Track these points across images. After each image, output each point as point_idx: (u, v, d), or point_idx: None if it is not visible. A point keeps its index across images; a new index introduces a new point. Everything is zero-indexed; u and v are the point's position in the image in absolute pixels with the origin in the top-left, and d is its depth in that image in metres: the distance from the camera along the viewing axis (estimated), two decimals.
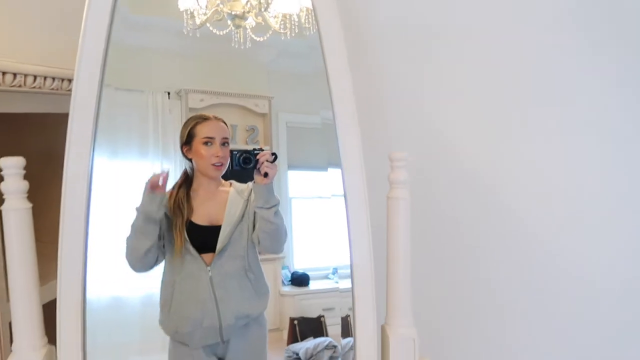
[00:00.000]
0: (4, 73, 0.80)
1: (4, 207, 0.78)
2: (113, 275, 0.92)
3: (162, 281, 0.89)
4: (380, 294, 0.95)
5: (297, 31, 1.04)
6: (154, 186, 0.85)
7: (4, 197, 0.78)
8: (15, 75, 0.82)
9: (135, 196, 0.99)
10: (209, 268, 0.88)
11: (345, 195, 0.92)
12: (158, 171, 0.86)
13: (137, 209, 0.86)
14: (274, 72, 1.12)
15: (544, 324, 1.40)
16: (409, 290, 0.92)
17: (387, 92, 1.31)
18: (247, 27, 1.04)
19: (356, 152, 0.91)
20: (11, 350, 0.79)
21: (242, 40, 1.03)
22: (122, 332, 1.00)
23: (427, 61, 1.31)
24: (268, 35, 1.03)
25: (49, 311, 0.83)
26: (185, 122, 0.92)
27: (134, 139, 1.02)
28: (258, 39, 1.04)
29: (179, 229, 0.86)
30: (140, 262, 0.85)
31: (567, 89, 1.34)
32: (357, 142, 0.90)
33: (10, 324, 0.84)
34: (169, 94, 1.03)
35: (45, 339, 0.82)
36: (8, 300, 0.82)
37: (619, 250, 1.41)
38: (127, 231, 0.86)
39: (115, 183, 0.92)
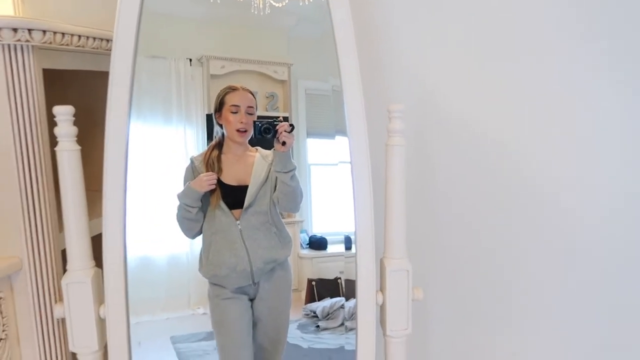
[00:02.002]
0: (54, 33, 0.94)
1: (58, 148, 0.93)
2: (141, 236, 1.05)
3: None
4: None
5: None
6: (201, 185, 1.02)
7: (57, 140, 0.94)
8: (63, 34, 0.96)
9: (159, 161, 1.13)
10: (238, 222, 1.05)
11: (351, 161, 1.04)
12: (210, 175, 1.03)
13: (178, 197, 1.03)
14: (294, 39, 1.20)
15: (537, 270, 1.48)
16: (404, 228, 1.08)
17: (389, 51, 1.38)
18: None
19: (361, 120, 1.02)
20: (65, 270, 0.98)
21: (261, 6, 1.11)
22: (149, 289, 1.14)
23: (430, 18, 1.37)
24: (286, 2, 1.11)
25: (95, 243, 1.00)
26: (218, 93, 1.07)
27: (158, 105, 1.13)
28: (277, 5, 1.11)
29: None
30: (194, 236, 1.06)
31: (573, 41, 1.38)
32: (362, 111, 1.02)
33: (62, 251, 1.01)
34: (190, 60, 1.14)
35: (94, 262, 0.99)
36: (60, 231, 1.00)
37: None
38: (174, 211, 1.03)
39: (141, 146, 1.03)
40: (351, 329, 1.14)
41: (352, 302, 1.14)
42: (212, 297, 1.09)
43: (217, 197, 1.05)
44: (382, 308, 1.11)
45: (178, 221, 1.06)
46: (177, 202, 1.05)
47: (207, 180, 1.03)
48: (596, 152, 1.44)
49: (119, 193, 0.96)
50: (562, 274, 1.50)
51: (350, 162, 1.05)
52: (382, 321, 1.13)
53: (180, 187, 1.06)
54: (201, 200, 1.05)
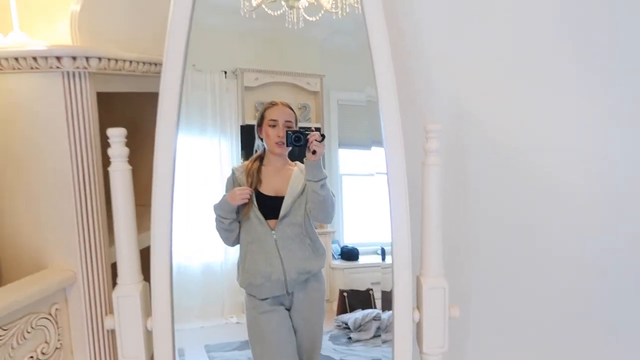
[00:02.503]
0: (109, 59, 1.02)
1: (111, 168, 0.99)
2: (176, 245, 1.06)
3: (241, 246, 1.11)
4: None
5: (347, 10, 1.13)
6: (234, 198, 1.08)
7: (110, 160, 1.00)
8: (117, 60, 1.04)
9: (196, 173, 1.15)
10: (273, 232, 1.09)
11: (387, 174, 1.05)
12: (244, 190, 1.08)
13: (214, 209, 1.08)
14: (326, 51, 1.22)
15: (579, 287, 1.47)
16: (440, 246, 1.09)
17: (426, 69, 1.40)
18: (300, 7, 1.14)
19: (397, 129, 1.04)
20: (115, 284, 1.03)
21: (295, 20, 1.14)
22: (185, 298, 1.13)
23: (463, 38, 1.39)
24: (320, 15, 1.14)
25: (142, 255, 1.05)
26: (260, 109, 1.13)
27: (194, 116, 1.16)
28: (311, 19, 1.14)
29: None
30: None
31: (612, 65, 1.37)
32: (398, 119, 1.04)
33: (112, 264, 1.06)
34: (225, 73, 1.17)
35: (142, 277, 1.04)
36: (110, 245, 1.06)
37: None
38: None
39: (178, 158, 1.04)
40: (385, 341, 1.16)
41: (387, 314, 1.15)
42: (249, 310, 1.13)
43: (249, 207, 1.09)
44: (418, 325, 1.13)
45: (217, 230, 1.11)
46: (211, 215, 1.10)
47: (240, 194, 1.08)
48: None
49: (167, 209, 1.00)
50: (606, 290, 1.47)
51: (387, 173, 1.07)
52: (418, 338, 1.15)
53: (215, 198, 1.10)
54: (237, 212, 1.09)
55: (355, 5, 1.10)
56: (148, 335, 1.04)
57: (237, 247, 1.13)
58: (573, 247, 1.47)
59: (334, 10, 1.16)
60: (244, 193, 1.08)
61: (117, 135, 0.99)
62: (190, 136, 1.16)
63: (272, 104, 1.13)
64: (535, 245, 1.48)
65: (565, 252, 1.48)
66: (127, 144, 1.01)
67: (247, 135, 1.16)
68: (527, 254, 1.49)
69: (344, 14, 1.15)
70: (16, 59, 0.97)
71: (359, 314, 1.23)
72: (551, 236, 1.47)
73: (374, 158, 1.13)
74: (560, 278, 1.49)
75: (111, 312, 1.04)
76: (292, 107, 1.14)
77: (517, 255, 1.48)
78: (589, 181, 1.44)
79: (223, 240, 1.12)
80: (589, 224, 1.45)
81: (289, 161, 1.14)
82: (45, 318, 1.00)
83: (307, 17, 1.16)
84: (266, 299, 1.12)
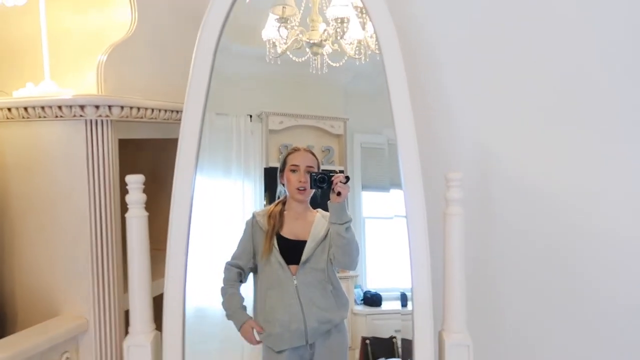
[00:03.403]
0: (131, 108, 1.03)
1: (128, 214, 0.97)
2: (197, 288, 1.05)
3: (255, 291, 1.07)
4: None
5: (370, 55, 1.13)
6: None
7: (127, 206, 0.98)
8: (139, 109, 1.05)
9: (218, 214, 1.15)
10: (294, 277, 1.04)
11: (407, 218, 1.01)
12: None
13: (224, 309, 1.07)
14: (350, 94, 1.21)
15: (611, 346, 1.34)
16: (464, 299, 1.03)
17: (444, 113, 1.36)
18: (324, 53, 1.14)
19: (416, 173, 1.00)
20: (127, 332, 0.99)
21: (319, 66, 1.14)
22: (204, 341, 1.12)
23: (485, 81, 1.34)
24: (344, 61, 1.14)
25: (155, 303, 1.02)
26: (283, 155, 1.11)
27: (219, 158, 1.15)
28: (334, 65, 1.14)
29: (268, 236, 1.06)
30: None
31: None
32: (417, 163, 1.01)
33: (125, 312, 1.04)
34: (251, 117, 1.17)
35: (154, 326, 1.01)
36: (125, 292, 1.04)
37: None
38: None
39: (200, 198, 1.04)
40: None
41: None
42: None
43: (270, 251, 1.06)
44: None
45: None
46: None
47: (250, 337, 1.06)
48: None
49: (181, 258, 0.99)
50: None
51: (406, 217, 1.02)
52: None
53: (236, 238, 1.08)
54: (253, 257, 1.07)
55: (377, 52, 1.09)
56: None
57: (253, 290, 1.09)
58: (609, 299, 1.35)
59: (357, 57, 1.16)
60: (253, 338, 1.07)
61: (135, 181, 0.98)
62: (214, 178, 1.15)
63: (295, 150, 1.11)
64: (569, 296, 1.37)
65: (601, 306, 1.36)
66: (148, 189, 1.00)
67: (271, 178, 1.15)
68: (561, 306, 1.37)
69: (367, 59, 1.15)
70: (42, 107, 0.97)
71: None
72: (587, 286, 1.36)
73: (393, 201, 1.10)
74: (593, 338, 1.36)
75: None
76: (314, 153, 1.12)
77: (550, 308, 1.38)
78: (624, 227, 1.33)
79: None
80: (627, 273, 1.33)
81: (311, 208, 1.11)
82: None
83: (331, 63, 1.16)
84: (284, 350, 1.06)
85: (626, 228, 1.32)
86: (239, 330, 1.07)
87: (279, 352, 1.06)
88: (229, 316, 1.08)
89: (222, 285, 1.08)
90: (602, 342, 1.36)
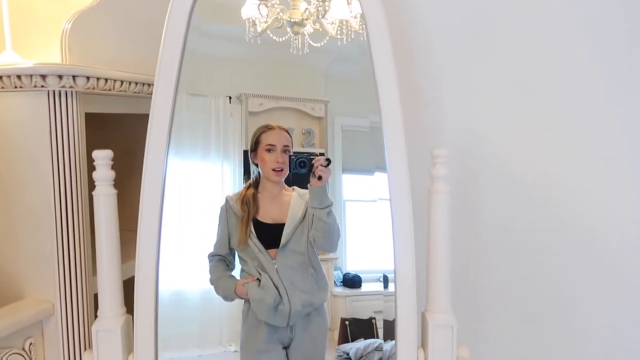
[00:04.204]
0: (98, 79, 0.95)
1: (95, 192, 0.91)
2: (175, 271, 1.00)
3: (240, 271, 1.03)
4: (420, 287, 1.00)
5: (352, 36, 1.07)
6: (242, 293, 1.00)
7: (95, 184, 0.91)
8: (106, 80, 0.97)
9: (197, 197, 1.09)
10: (274, 261, 1.00)
11: (390, 201, 0.97)
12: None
13: (212, 285, 1.01)
14: (331, 77, 1.17)
15: (599, 326, 1.34)
16: (448, 280, 1.00)
17: (431, 92, 1.32)
18: (305, 33, 1.09)
19: (402, 157, 0.96)
20: (96, 317, 0.93)
21: (300, 46, 1.09)
22: (182, 325, 1.08)
23: (473, 62, 1.30)
24: (325, 41, 1.08)
25: (126, 286, 0.96)
26: (254, 132, 1.04)
27: (198, 141, 1.10)
28: (316, 45, 1.09)
29: (244, 223, 1.00)
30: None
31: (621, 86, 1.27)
32: (403, 147, 0.96)
33: (94, 295, 0.98)
34: (230, 98, 1.11)
35: (124, 309, 0.95)
36: (93, 275, 0.97)
37: None
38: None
39: (177, 181, 1.00)
40: None
41: (389, 344, 1.06)
42: (245, 350, 1.03)
43: (245, 231, 1.00)
44: None
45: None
46: (211, 239, 1.03)
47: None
48: None
49: (153, 238, 0.93)
50: (627, 329, 1.33)
51: (390, 200, 0.98)
52: None
53: (214, 223, 1.03)
54: (229, 248, 1.03)
55: (361, 32, 1.05)
56: None
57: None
58: (591, 284, 1.34)
59: (338, 37, 1.10)
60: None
61: (102, 157, 0.91)
62: (193, 160, 1.11)
63: (268, 128, 1.04)
64: (550, 281, 1.35)
65: (583, 289, 1.35)
66: (120, 168, 0.95)
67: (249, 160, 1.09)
68: (542, 290, 1.36)
69: (349, 39, 1.10)
70: (0, 77, 0.85)
71: (360, 344, 1.13)
72: (567, 271, 1.35)
73: (377, 184, 1.06)
74: (581, 314, 1.36)
75: (90, 347, 0.94)
76: (289, 131, 1.05)
77: (530, 291, 1.36)
78: (609, 212, 1.32)
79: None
80: (608, 261, 1.33)
81: (286, 186, 1.06)
82: (17, 353, 0.91)
83: (312, 43, 1.10)
84: (266, 324, 1.01)
85: (610, 214, 1.31)
86: (235, 292, 1.01)
87: (259, 322, 1.00)
88: (222, 291, 1.03)
89: (210, 279, 1.04)
90: (584, 321, 1.36)
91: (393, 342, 1.01)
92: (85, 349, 0.94)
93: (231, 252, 1.03)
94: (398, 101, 0.97)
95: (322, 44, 1.09)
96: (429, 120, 1.33)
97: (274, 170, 1.01)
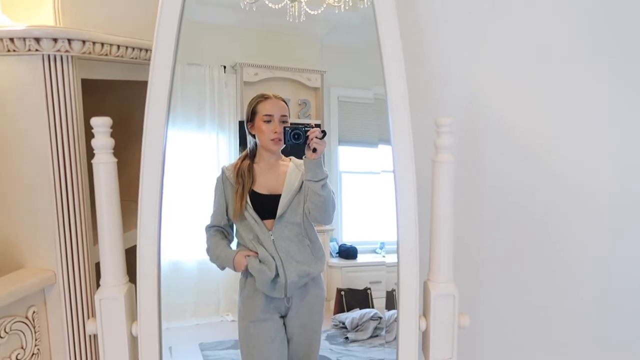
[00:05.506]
0: (94, 43, 0.90)
1: (94, 160, 0.89)
2: (172, 241, 0.98)
3: (237, 245, 1.02)
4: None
5: (350, 4, 1.04)
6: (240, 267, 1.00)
7: (94, 152, 0.89)
8: (103, 44, 0.92)
9: (193, 168, 1.07)
10: (271, 232, 0.99)
11: (394, 172, 0.95)
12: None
13: (209, 255, 1.01)
14: (327, 47, 1.14)
15: (594, 295, 1.35)
16: (451, 249, 0.99)
17: (436, 64, 1.30)
18: (302, 0, 1.04)
19: (406, 130, 0.94)
20: (98, 286, 0.93)
21: (296, 14, 1.05)
22: (179, 295, 1.07)
23: (477, 35, 1.28)
24: (322, 9, 1.04)
25: (128, 255, 0.95)
26: (249, 102, 1.01)
27: (192, 111, 1.08)
28: (312, 13, 1.05)
29: (239, 195, 0.98)
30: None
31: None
32: (407, 120, 0.94)
33: (96, 264, 0.96)
34: (224, 67, 1.09)
35: (127, 278, 0.95)
36: (94, 244, 0.96)
37: None
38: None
39: (173, 151, 0.97)
40: (389, 342, 1.07)
41: (388, 314, 1.08)
42: (243, 319, 1.03)
43: (241, 203, 0.99)
44: (424, 334, 1.02)
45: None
46: (207, 210, 1.02)
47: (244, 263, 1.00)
48: None
49: (155, 206, 0.91)
50: (621, 300, 1.36)
51: (394, 171, 0.97)
52: (424, 348, 1.04)
53: (210, 194, 1.02)
54: (227, 219, 1.01)
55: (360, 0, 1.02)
56: (133, 341, 0.94)
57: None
58: (591, 250, 1.36)
59: (336, 4, 1.07)
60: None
61: (101, 124, 0.88)
62: (187, 131, 1.09)
63: (265, 97, 1.01)
64: (552, 248, 1.36)
65: (583, 255, 1.36)
66: (118, 137, 0.91)
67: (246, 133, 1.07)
68: (543, 257, 1.37)
69: (347, 7, 1.07)
70: None
71: (356, 314, 1.14)
72: (568, 239, 1.36)
73: (381, 156, 1.04)
74: (578, 285, 1.38)
75: (93, 315, 0.94)
76: (286, 101, 1.03)
77: (532, 259, 1.37)
78: (607, 182, 1.33)
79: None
80: (608, 226, 1.34)
81: (282, 156, 1.04)
82: (21, 322, 0.90)
83: (309, 11, 1.07)
84: (263, 295, 1.00)
85: (617, 186, 1.32)
86: (232, 263, 1.01)
87: (256, 292, 1.01)
88: (218, 259, 1.02)
89: (207, 247, 1.02)
90: (580, 287, 1.38)
91: (393, 311, 1.02)
92: (88, 318, 0.94)
93: (229, 222, 1.02)
94: (403, 71, 0.94)
95: (319, 12, 1.06)
96: (433, 88, 1.30)
97: (272, 140, 0.99)
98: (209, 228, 1.03)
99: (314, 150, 0.95)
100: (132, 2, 1.13)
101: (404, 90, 0.94)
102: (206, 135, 1.10)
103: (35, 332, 0.91)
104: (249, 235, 1.00)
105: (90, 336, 0.96)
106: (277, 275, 0.99)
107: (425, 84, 1.30)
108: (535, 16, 1.28)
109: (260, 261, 0.99)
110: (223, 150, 1.11)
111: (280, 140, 0.99)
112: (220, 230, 1.03)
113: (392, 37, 0.95)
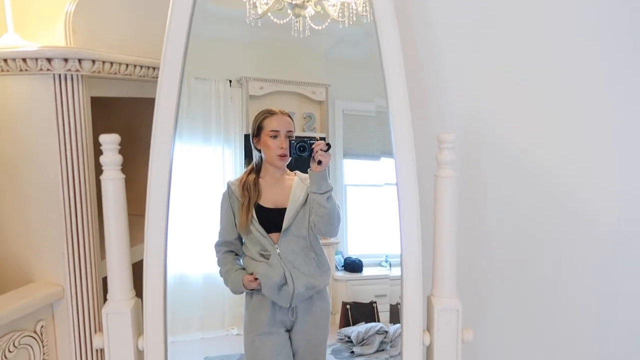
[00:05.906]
0: (103, 62, 0.93)
1: (102, 177, 0.91)
2: (178, 255, 0.99)
3: (244, 257, 1.03)
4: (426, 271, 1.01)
5: (354, 19, 1.06)
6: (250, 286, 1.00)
7: (102, 168, 0.91)
8: (112, 64, 0.95)
9: (199, 181, 1.09)
10: (276, 245, 1.00)
11: (397, 186, 0.97)
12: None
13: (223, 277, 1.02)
14: (332, 60, 1.16)
15: (600, 309, 1.34)
16: (454, 264, 0.99)
17: (438, 79, 1.31)
18: (307, 15, 1.07)
19: (408, 142, 0.96)
20: (105, 300, 0.94)
21: (301, 28, 1.07)
22: (185, 309, 1.08)
23: (476, 50, 1.30)
24: (327, 24, 1.07)
25: (135, 270, 0.97)
26: (255, 117, 1.02)
27: (198, 125, 1.09)
28: (317, 27, 1.07)
29: (245, 209, 1.00)
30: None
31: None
32: (410, 132, 0.95)
33: (103, 279, 0.98)
34: (230, 82, 1.10)
35: (134, 292, 0.96)
36: (102, 258, 0.97)
37: None
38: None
39: (178, 165, 0.98)
40: (393, 357, 1.07)
41: (393, 327, 1.07)
42: (248, 332, 1.03)
43: (246, 217, 1.00)
44: (428, 349, 1.02)
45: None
46: (213, 223, 1.03)
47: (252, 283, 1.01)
48: None
49: (162, 222, 0.92)
50: (628, 311, 1.35)
51: (397, 184, 0.98)
52: None
53: (216, 207, 1.03)
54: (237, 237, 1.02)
55: (364, 14, 1.04)
56: (139, 355, 0.95)
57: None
58: (591, 261, 1.35)
59: (340, 19, 1.09)
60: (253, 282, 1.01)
61: (109, 142, 0.89)
62: (193, 144, 1.10)
63: (271, 113, 1.03)
64: (554, 264, 1.36)
65: (584, 268, 1.36)
66: (125, 152, 0.93)
67: (252, 147, 1.08)
68: (545, 272, 1.37)
69: (351, 22, 1.08)
70: (5, 60, 0.86)
71: (362, 328, 1.14)
72: (570, 252, 1.35)
73: (383, 169, 1.05)
74: (584, 300, 1.37)
75: (100, 330, 0.95)
76: (290, 115, 1.04)
77: (534, 273, 1.37)
78: (608, 196, 1.32)
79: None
80: (608, 239, 1.33)
81: (288, 171, 1.05)
82: (29, 336, 0.91)
83: (314, 26, 1.09)
84: (270, 302, 1.01)
85: (616, 202, 1.32)
86: (243, 286, 1.02)
87: (262, 306, 1.01)
88: (232, 283, 1.03)
89: (220, 271, 1.03)
90: (589, 307, 1.37)
91: (397, 325, 1.02)
92: (95, 332, 0.95)
93: (239, 236, 1.03)
94: (405, 84, 0.95)
95: (324, 26, 1.08)
96: (434, 103, 1.31)
97: (279, 155, 1.01)
98: (218, 247, 1.03)
99: (319, 162, 0.96)
100: (141, 21, 1.15)
101: (406, 108, 0.96)
102: (212, 148, 1.11)
103: (43, 347, 0.92)
104: (256, 247, 1.01)
105: (97, 350, 0.96)
106: (285, 283, 1.00)
107: (423, 94, 1.31)
108: (538, 35, 1.29)
109: (269, 265, 1.00)
110: (229, 163, 1.12)
111: (286, 155, 1.01)
112: (230, 251, 1.03)
113: (393, 53, 0.96)
